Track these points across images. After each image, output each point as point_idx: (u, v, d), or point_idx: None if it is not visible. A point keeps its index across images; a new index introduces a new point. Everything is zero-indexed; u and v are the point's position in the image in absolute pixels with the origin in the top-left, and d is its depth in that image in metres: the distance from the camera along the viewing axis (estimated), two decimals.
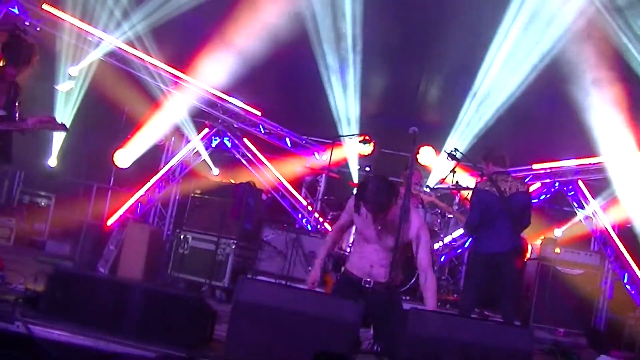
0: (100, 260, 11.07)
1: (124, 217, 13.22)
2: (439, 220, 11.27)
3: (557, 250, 11.76)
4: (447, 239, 11.85)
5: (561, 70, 11.98)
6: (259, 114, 14.04)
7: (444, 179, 11.31)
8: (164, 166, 14.18)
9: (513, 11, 11.93)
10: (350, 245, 10.20)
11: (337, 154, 13.05)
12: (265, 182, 14.04)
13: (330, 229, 12.23)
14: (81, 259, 11.53)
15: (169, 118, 13.63)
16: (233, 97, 13.82)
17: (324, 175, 13.28)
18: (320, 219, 12.64)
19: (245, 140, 14.26)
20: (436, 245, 11.44)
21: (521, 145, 12.71)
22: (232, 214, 11.14)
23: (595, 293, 11.89)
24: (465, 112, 13.07)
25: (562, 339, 10.66)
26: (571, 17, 11.61)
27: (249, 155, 14.26)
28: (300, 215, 13.98)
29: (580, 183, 13.78)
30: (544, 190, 14.11)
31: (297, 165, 14.28)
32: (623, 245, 13.30)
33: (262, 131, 14.22)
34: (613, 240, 13.40)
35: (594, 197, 13.62)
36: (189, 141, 14.10)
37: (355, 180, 13.51)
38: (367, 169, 13.49)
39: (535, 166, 13.76)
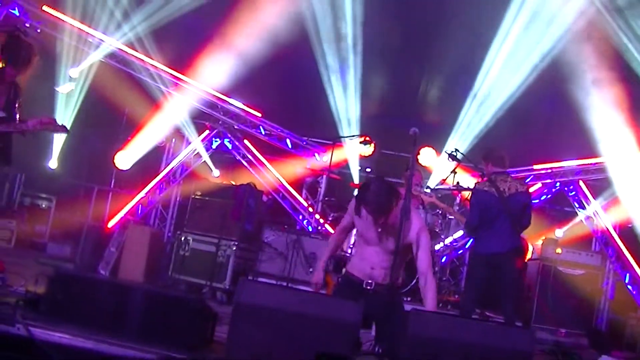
0: (101, 262, 11.06)
1: (124, 219, 13.22)
2: (440, 221, 11.26)
3: (558, 250, 11.76)
4: (448, 240, 11.84)
5: (562, 70, 11.99)
6: (260, 115, 14.05)
7: (444, 180, 11.31)
8: (164, 168, 14.18)
9: (513, 11, 11.96)
10: (351, 246, 10.19)
11: (338, 155, 13.04)
12: (266, 184, 14.04)
13: (331, 230, 12.26)
14: (82, 261, 11.52)
15: (170, 119, 13.63)
16: (233, 98, 13.83)
17: (324, 176, 13.27)
18: (321, 220, 12.64)
19: (245, 141, 14.27)
20: (437, 246, 11.44)
21: (522, 146, 12.72)
22: (232, 216, 11.13)
23: (597, 293, 11.88)
24: (465, 113, 13.08)
25: (563, 340, 10.65)
26: (571, 17, 11.63)
27: (250, 156, 14.25)
28: (301, 217, 13.98)
29: (581, 183, 13.78)
30: (545, 190, 14.10)
31: (297, 167, 14.27)
32: (624, 245, 13.30)
33: (263, 132, 14.22)
34: (614, 240, 13.39)
35: (595, 197, 13.62)
36: (189, 143, 14.10)
37: (356, 181, 13.51)
38: (368, 170, 13.50)
39: (536, 166, 13.76)
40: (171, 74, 13.40)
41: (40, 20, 12.68)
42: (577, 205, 13.87)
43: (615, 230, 13.46)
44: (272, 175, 14.15)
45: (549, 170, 13.81)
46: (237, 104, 13.91)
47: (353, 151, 13.63)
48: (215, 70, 13.02)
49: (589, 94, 12.16)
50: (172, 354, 5.25)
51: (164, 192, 14.21)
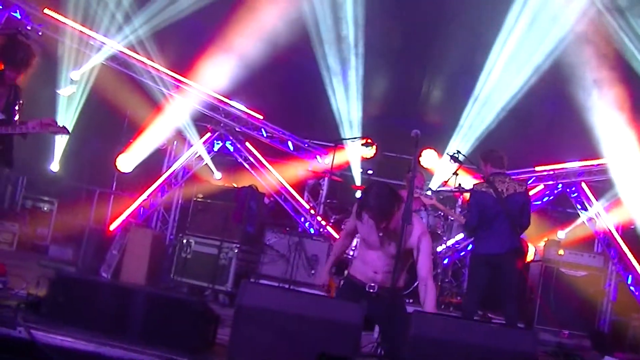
0: (102, 265, 11.06)
1: (126, 222, 13.22)
2: (442, 223, 11.25)
3: (561, 252, 11.74)
4: (450, 242, 11.81)
5: (563, 71, 11.97)
6: (261, 117, 14.04)
7: (446, 182, 11.30)
8: (166, 170, 14.18)
9: (515, 12, 11.95)
10: (353, 248, 10.18)
11: (340, 157, 13.03)
12: (268, 186, 14.02)
13: (332, 232, 12.25)
14: (84, 264, 11.51)
15: (171, 122, 13.63)
16: (235, 100, 13.83)
17: (326, 178, 13.28)
18: (323, 223, 12.62)
19: (247, 144, 14.25)
20: (439, 248, 11.43)
21: (524, 147, 12.72)
22: (234, 218, 11.14)
23: (599, 295, 11.86)
24: (467, 114, 13.06)
25: (566, 341, 10.64)
26: (573, 18, 11.62)
27: (251, 159, 14.24)
28: (302, 219, 13.97)
29: (583, 185, 13.76)
30: (547, 192, 14.08)
31: (299, 169, 14.28)
32: (626, 246, 13.28)
33: (264, 135, 14.21)
34: (616, 241, 13.37)
35: (597, 198, 13.60)
36: (191, 145, 14.10)
37: (358, 183, 13.49)
38: (370, 172, 13.48)
39: (538, 168, 13.75)
40: (173, 77, 13.40)
41: (41, 23, 12.69)
42: (579, 207, 13.85)
43: (617, 232, 13.44)
44: (273, 177, 14.14)
45: (551, 172, 13.79)
46: (238, 106, 13.91)
47: (355, 153, 13.61)
48: (217, 73, 13.01)
49: (591, 95, 12.15)
50: (173, 357, 5.25)
51: (166, 195, 14.21)
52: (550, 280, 11.47)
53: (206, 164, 14.13)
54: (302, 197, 14.14)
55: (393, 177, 12.64)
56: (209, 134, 14.16)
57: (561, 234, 13.48)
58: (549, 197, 14.16)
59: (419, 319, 5.35)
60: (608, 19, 11.56)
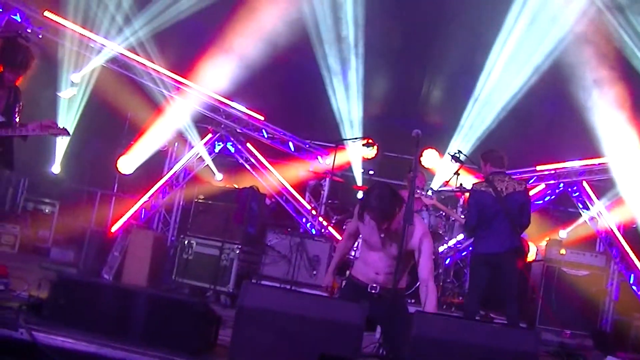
0: (104, 267, 11.05)
1: (128, 223, 13.21)
2: (443, 223, 11.24)
3: (563, 251, 11.73)
4: (451, 242, 11.80)
5: (564, 71, 11.97)
6: (262, 118, 14.03)
7: (447, 182, 11.29)
8: (167, 172, 14.18)
9: (515, 12, 11.94)
10: (355, 249, 10.17)
11: (341, 157, 13.02)
12: (269, 187, 14.01)
13: (334, 233, 12.25)
14: (85, 266, 11.51)
15: (172, 124, 13.63)
16: (236, 102, 13.82)
17: (327, 179, 13.26)
18: (324, 223, 12.61)
19: (248, 144, 14.24)
20: (441, 248, 11.42)
21: (525, 147, 12.72)
22: (235, 219, 11.14)
23: (601, 294, 11.84)
24: (468, 114, 13.06)
25: (568, 341, 10.63)
26: (573, 17, 11.61)
27: (252, 160, 14.23)
28: (304, 220, 13.96)
29: (584, 184, 13.74)
30: (549, 191, 14.07)
31: (300, 170, 14.27)
32: (628, 245, 13.27)
33: (265, 136, 14.21)
34: (618, 241, 13.36)
35: (598, 197, 13.59)
36: (192, 147, 14.09)
37: (359, 183, 13.49)
38: (371, 172, 13.48)
39: (539, 167, 13.74)
40: (173, 78, 13.39)
41: (41, 25, 12.68)
42: (580, 206, 13.84)
43: (619, 231, 13.43)
44: (275, 178, 14.13)
45: (553, 171, 13.78)
46: (239, 107, 13.90)
47: (356, 154, 13.60)
48: (218, 74, 13.01)
49: (592, 94, 12.15)
50: (175, 358, 5.25)
51: (167, 196, 14.21)
52: (552, 279, 11.46)
53: (207, 165, 14.12)
54: (304, 198, 14.13)
55: (394, 177, 12.63)
56: (209, 135, 14.15)
57: (563, 234, 13.46)
58: (551, 196, 14.14)
59: (420, 319, 5.35)
60: (608, 17, 11.55)
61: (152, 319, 5.66)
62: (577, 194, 13.89)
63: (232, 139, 14.21)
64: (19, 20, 12.54)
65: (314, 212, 13.45)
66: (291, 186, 14.15)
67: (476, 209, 8.35)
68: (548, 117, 13.18)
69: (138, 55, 13.10)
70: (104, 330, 5.50)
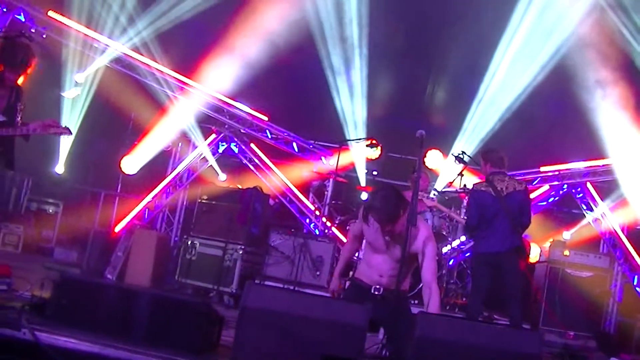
0: (107, 267, 11.07)
1: (131, 224, 13.20)
2: (447, 224, 11.23)
3: (566, 252, 11.71)
4: (455, 243, 11.78)
5: (568, 72, 11.95)
6: (266, 119, 14.02)
7: (451, 183, 11.28)
8: (171, 172, 14.16)
9: (519, 13, 11.93)
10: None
11: (345, 158, 12.99)
12: (273, 187, 14.00)
13: (337, 233, 12.25)
14: (89, 266, 11.53)
15: (176, 124, 13.63)
16: (239, 102, 13.81)
17: (331, 179, 13.22)
18: (328, 224, 12.60)
19: (252, 145, 14.22)
20: (444, 249, 11.41)
21: (529, 148, 12.71)
22: (239, 219, 11.14)
23: (605, 296, 11.81)
24: (472, 115, 13.04)
25: (571, 342, 10.61)
26: (577, 18, 11.59)
27: (256, 160, 14.22)
28: (307, 220, 13.94)
29: (588, 185, 13.71)
30: (552, 192, 14.04)
31: (304, 170, 14.25)
32: (632, 247, 13.23)
33: (269, 136, 14.19)
34: (622, 242, 13.33)
35: (602, 199, 13.56)
36: (195, 147, 14.08)
37: (363, 184, 13.49)
38: (375, 172, 13.47)
39: (543, 168, 13.72)
40: (177, 78, 13.39)
41: (45, 25, 12.70)
42: (584, 207, 13.81)
43: (623, 232, 13.39)
44: (278, 178, 14.12)
45: (556, 173, 13.75)
46: (243, 107, 13.89)
47: (360, 154, 13.58)
48: (221, 74, 13.01)
49: (596, 95, 12.12)
50: (178, 358, 5.24)
51: (171, 197, 14.19)
52: (555, 281, 11.44)
53: (211, 165, 14.11)
54: (307, 198, 14.11)
55: (398, 178, 12.62)
56: (213, 136, 14.14)
57: (566, 235, 13.45)
58: (554, 197, 14.12)
59: (424, 320, 5.34)
60: (612, 18, 11.53)
61: (155, 320, 5.66)
62: (580, 195, 13.86)
63: (236, 140, 14.21)
64: (23, 20, 12.56)
65: (317, 212, 13.44)
66: (295, 187, 14.13)
67: (476, 209, 8.36)
68: (552, 118, 13.15)
69: (142, 55, 13.10)
70: (106, 331, 5.49)
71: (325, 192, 13.77)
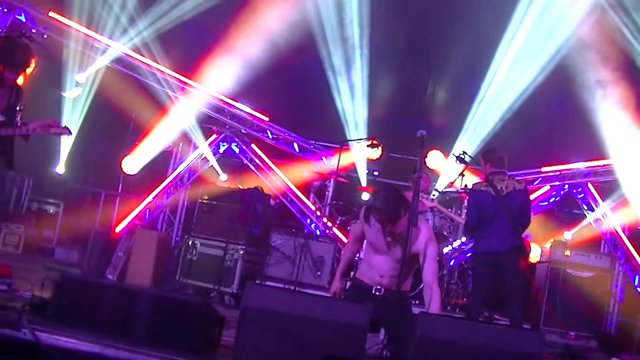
0: (108, 267, 11.06)
1: (132, 224, 13.20)
2: (447, 224, 11.23)
3: (567, 253, 11.70)
4: (456, 243, 11.78)
5: (569, 72, 11.94)
6: (267, 119, 14.02)
7: (452, 183, 11.27)
8: (172, 172, 14.17)
9: (520, 13, 11.92)
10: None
11: (345, 158, 13.00)
12: (273, 188, 14.00)
13: (338, 234, 12.24)
14: (89, 266, 11.52)
15: (177, 124, 13.63)
16: (240, 102, 13.81)
17: (332, 179, 13.25)
18: (329, 224, 12.59)
19: (253, 145, 14.22)
20: (445, 249, 11.40)
21: (530, 148, 12.71)
22: (240, 220, 11.13)
23: (606, 296, 11.81)
24: (473, 115, 13.03)
25: (572, 342, 10.60)
26: (578, 19, 11.59)
27: (257, 160, 14.22)
28: (308, 220, 13.94)
29: (589, 185, 13.71)
30: (554, 193, 14.03)
31: (305, 170, 14.25)
32: (633, 247, 13.23)
33: (270, 136, 14.19)
34: (623, 242, 13.32)
35: (603, 199, 13.56)
36: (196, 147, 14.09)
37: (364, 184, 13.49)
38: (375, 173, 13.47)
39: (544, 169, 13.71)
40: (178, 79, 13.39)
41: (46, 26, 12.71)
42: (585, 208, 13.81)
43: (624, 232, 13.39)
44: (279, 179, 14.11)
45: (557, 173, 13.74)
46: (244, 108, 13.89)
47: (360, 154, 13.58)
48: (222, 75, 13.01)
49: (596, 96, 12.12)
50: (179, 358, 5.24)
51: (172, 197, 14.19)
52: (556, 281, 11.42)
53: (212, 165, 14.10)
54: (308, 199, 14.10)
55: (399, 179, 12.62)
56: (214, 136, 14.14)
57: (567, 235, 13.44)
58: (555, 197, 14.11)
59: (424, 321, 5.34)
60: (614, 18, 11.53)
61: (156, 320, 5.65)
62: (582, 195, 13.86)
63: (237, 140, 14.20)
64: (24, 20, 12.56)
65: (318, 213, 13.44)
66: (296, 187, 14.13)
67: (476, 208, 8.35)
68: (553, 118, 13.15)
69: (143, 55, 13.10)
70: (107, 331, 5.49)
71: (326, 193, 13.80)
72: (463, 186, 10.92)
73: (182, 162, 14.21)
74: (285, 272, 10.87)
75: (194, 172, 14.26)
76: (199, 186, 13.41)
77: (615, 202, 13.33)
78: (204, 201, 11.77)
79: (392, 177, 13.18)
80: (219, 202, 11.58)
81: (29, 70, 7.10)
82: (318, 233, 12.80)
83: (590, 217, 13.68)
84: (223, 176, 14.08)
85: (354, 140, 13.16)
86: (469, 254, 12.90)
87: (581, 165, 13.52)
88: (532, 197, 12.60)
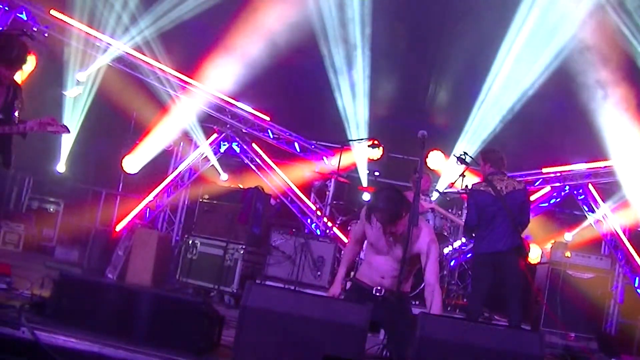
0: (108, 266, 11.05)
1: (132, 223, 13.21)
2: (448, 225, 11.23)
3: (568, 254, 11.69)
4: (456, 244, 11.77)
5: (570, 73, 11.94)
6: (268, 118, 14.01)
7: (453, 183, 11.27)
8: (172, 172, 14.17)
9: (522, 14, 11.92)
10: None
11: (346, 158, 13.01)
12: (274, 187, 14.00)
13: (339, 234, 12.23)
14: (89, 265, 11.52)
15: (178, 123, 13.63)
16: (241, 102, 13.81)
17: (333, 179, 13.25)
18: (329, 224, 12.59)
19: (253, 145, 14.23)
20: (446, 250, 11.39)
21: (531, 149, 12.73)
22: (240, 219, 11.12)
23: (606, 297, 11.80)
24: (474, 116, 13.04)
25: (572, 344, 10.58)
26: (580, 20, 11.58)
27: (258, 160, 14.22)
28: (309, 220, 13.94)
29: (590, 186, 13.70)
30: (554, 194, 14.03)
31: (305, 170, 14.25)
32: (634, 248, 13.23)
33: (271, 136, 14.18)
34: (624, 243, 13.33)
35: (604, 200, 13.56)
36: (197, 146, 14.09)
37: (365, 184, 13.49)
38: (376, 173, 13.46)
39: (545, 170, 13.71)
40: (179, 78, 13.38)
41: (47, 24, 12.69)
42: (586, 209, 13.80)
43: (624, 234, 13.40)
44: (280, 178, 14.12)
45: (558, 174, 13.74)
46: (245, 107, 13.89)
47: (361, 154, 13.58)
48: (223, 74, 13.00)
49: (597, 97, 12.11)
50: (178, 358, 5.23)
51: (172, 196, 14.20)
52: (557, 282, 11.40)
53: (212, 165, 14.11)
54: (309, 199, 14.10)
55: (400, 179, 12.62)
56: (215, 135, 14.15)
57: (568, 236, 13.45)
58: (556, 199, 14.11)
59: (425, 321, 5.33)
60: (615, 19, 11.52)
61: (156, 319, 5.65)
62: (582, 196, 13.85)
63: (238, 139, 14.20)
64: (25, 18, 12.55)
65: (319, 212, 13.44)
66: (296, 187, 14.13)
67: (476, 209, 8.35)
68: (554, 119, 13.15)
69: (144, 54, 13.10)
70: (107, 330, 5.48)
71: (327, 193, 13.79)
72: (464, 187, 10.90)
73: (182, 162, 14.21)
74: (286, 272, 10.85)
75: (195, 171, 14.26)
76: (200, 185, 13.42)
77: (616, 204, 13.33)
78: (205, 200, 11.75)
79: (393, 177, 13.18)
80: (220, 202, 11.56)
81: (25, 67, 7.05)
82: (318, 233, 12.79)
83: (590, 218, 13.68)
84: (224, 176, 14.09)
85: (354, 140, 13.16)
86: (469, 255, 12.91)
87: (582, 167, 13.52)
88: (532, 198, 12.64)
